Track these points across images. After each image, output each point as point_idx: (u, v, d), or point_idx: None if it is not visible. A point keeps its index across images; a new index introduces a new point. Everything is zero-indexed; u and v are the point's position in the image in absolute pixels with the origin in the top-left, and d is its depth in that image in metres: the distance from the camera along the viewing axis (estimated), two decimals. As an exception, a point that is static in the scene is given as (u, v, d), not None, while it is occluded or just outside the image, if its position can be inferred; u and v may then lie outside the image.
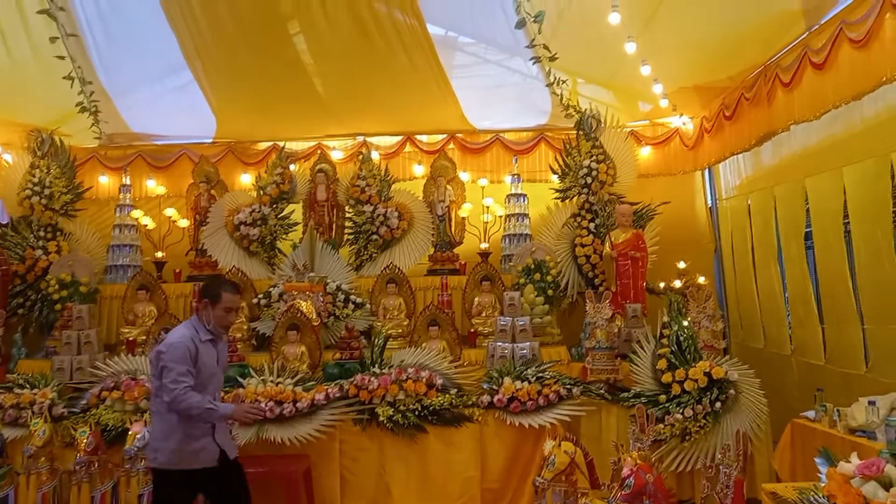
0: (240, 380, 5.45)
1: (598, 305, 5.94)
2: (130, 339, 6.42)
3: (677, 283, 6.41)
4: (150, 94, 7.59)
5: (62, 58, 6.22)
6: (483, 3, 6.20)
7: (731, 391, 5.18)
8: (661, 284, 6.65)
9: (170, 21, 6.51)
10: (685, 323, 5.51)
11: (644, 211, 7.09)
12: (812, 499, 2.92)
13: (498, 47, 7.41)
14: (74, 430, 4.96)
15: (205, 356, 3.58)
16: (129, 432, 4.69)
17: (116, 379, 5.47)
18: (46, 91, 6.96)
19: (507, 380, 5.36)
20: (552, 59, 6.26)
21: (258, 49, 6.80)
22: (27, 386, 5.55)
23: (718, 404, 5.12)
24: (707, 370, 5.18)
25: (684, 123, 7.79)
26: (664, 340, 5.50)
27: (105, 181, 8.09)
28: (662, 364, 5.35)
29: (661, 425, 4.96)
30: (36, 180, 7.17)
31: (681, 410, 5.10)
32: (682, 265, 6.58)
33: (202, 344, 3.60)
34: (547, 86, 6.87)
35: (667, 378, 5.28)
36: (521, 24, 5.83)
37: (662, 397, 5.24)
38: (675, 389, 5.21)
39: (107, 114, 7.40)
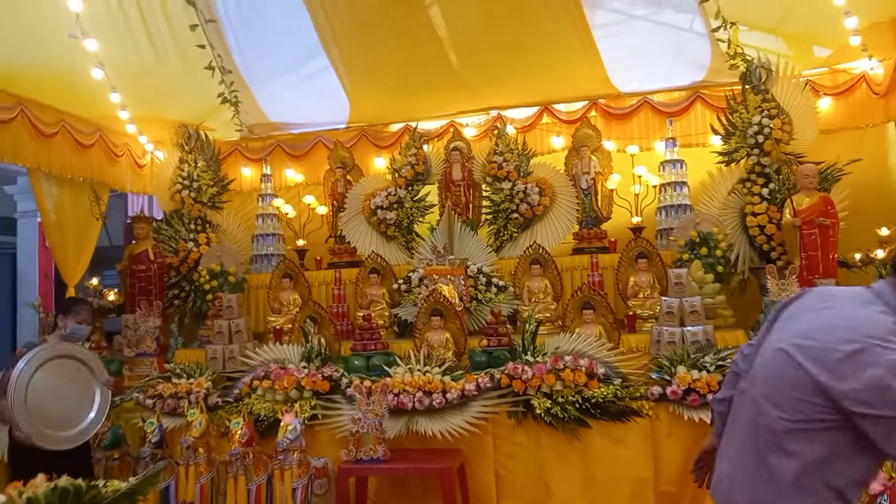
0: (386, 368, 5.22)
1: (782, 282, 5.11)
2: (277, 327, 6.42)
3: (880, 254, 5.40)
4: (287, 82, 7.63)
5: (203, 46, 6.27)
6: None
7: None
8: (857, 256, 5.65)
9: (307, 4, 6.43)
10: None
11: (829, 171, 6.08)
12: None
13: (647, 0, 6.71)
14: (229, 420, 4.95)
15: None
16: (281, 423, 4.58)
17: (266, 368, 5.43)
18: (191, 86, 7.14)
19: (680, 369, 4.71)
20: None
21: (394, 27, 6.61)
22: (184, 375, 5.66)
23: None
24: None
25: (872, 68, 6.61)
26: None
27: (247, 173, 8.24)
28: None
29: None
30: (185, 174, 7.38)
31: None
32: (884, 231, 5.54)
33: None
34: (713, 30, 6.01)
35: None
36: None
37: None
38: None
39: (246, 104, 7.50)
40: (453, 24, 6.66)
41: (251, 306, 7.10)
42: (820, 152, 6.22)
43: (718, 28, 5.91)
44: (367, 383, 5.00)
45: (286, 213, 7.46)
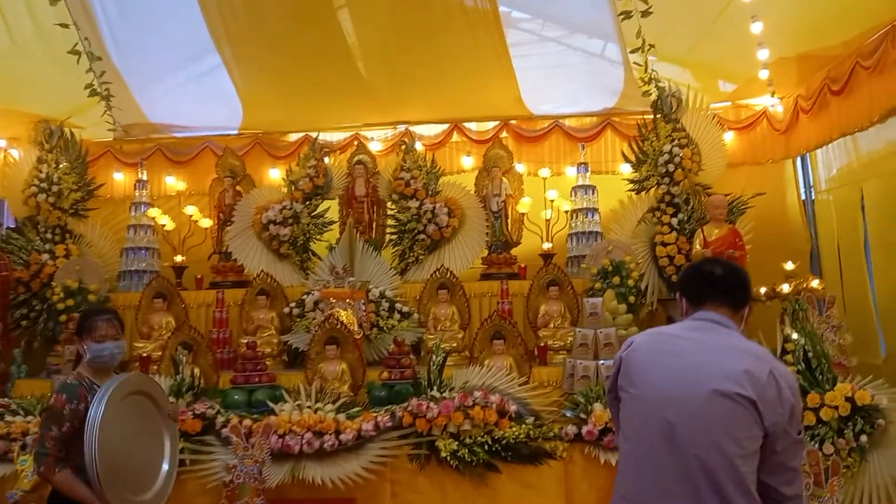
0: (271, 405, 4.54)
1: (695, 314, 4.92)
2: (144, 354, 5.57)
3: (785, 288, 5.37)
4: (171, 80, 6.86)
5: (66, 25, 5.38)
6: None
7: (880, 421, 4.13)
8: (763, 290, 5.61)
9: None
10: (812, 335, 4.48)
11: (735, 204, 6.07)
12: None
13: (559, 23, 6.56)
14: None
15: None
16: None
17: (125, 404, 4.58)
18: (54, 75, 6.21)
19: (597, 406, 4.36)
20: (645, 14, 5.26)
21: (297, 28, 6.07)
22: (21, 412, 4.69)
23: (864, 437, 4.09)
24: (849, 394, 4.15)
25: (773, 105, 6.77)
26: (788, 357, 4.46)
27: (120, 178, 7.31)
28: (789, 387, 4.31)
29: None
30: (43, 176, 6.37)
31: (817, 445, 4.07)
32: (789, 266, 5.54)
33: None
34: (631, 51, 5.87)
35: (796, 404, 4.24)
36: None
37: (792, 429, 4.20)
38: (809, 419, 4.17)
39: (122, 101, 6.64)
40: (363, 31, 6.23)
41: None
42: (725, 185, 6.24)
43: (637, 50, 5.77)
44: (248, 422, 4.33)
45: (163, 225, 6.61)
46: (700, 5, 5.44)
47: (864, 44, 5.20)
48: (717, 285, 2.15)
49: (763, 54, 5.39)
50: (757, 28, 5.00)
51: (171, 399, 4.50)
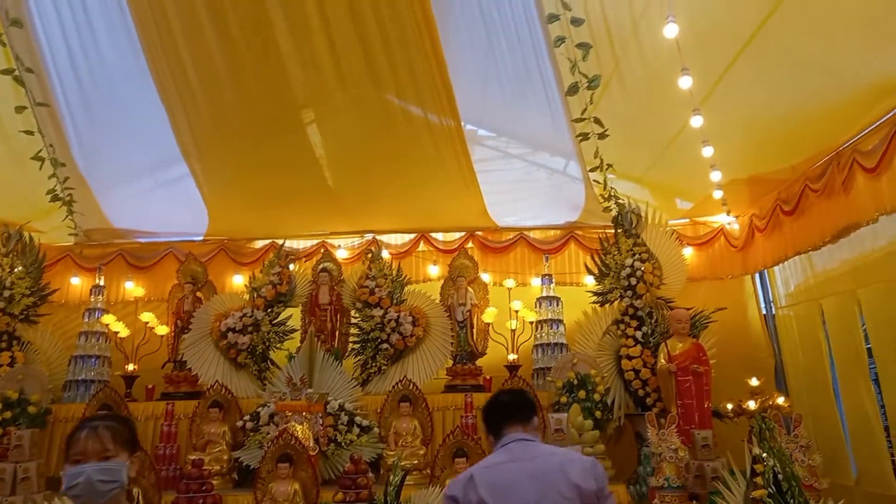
0: (214, 531, 4.20)
1: (663, 432, 4.81)
2: (82, 472, 5.17)
3: (752, 405, 5.31)
4: (137, 186, 6.85)
5: (30, 133, 5.41)
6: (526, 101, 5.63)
7: (856, 549, 3.96)
8: (730, 406, 5.55)
9: (167, 107, 5.86)
10: (781, 455, 4.36)
11: (697, 318, 6.11)
12: None
13: (523, 140, 6.83)
14: None
15: None
16: None
17: (52, 530, 4.20)
18: (18, 181, 6.19)
19: (562, 533, 4.11)
20: (602, 136, 5.49)
21: (265, 138, 6.18)
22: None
23: (841, 567, 3.89)
24: (822, 520, 4.00)
25: (729, 223, 7.01)
26: (758, 479, 4.30)
27: (77, 283, 7.13)
28: (760, 511, 4.14)
29: None
30: (-4, 280, 6.19)
31: (793, 576, 3.86)
32: (754, 382, 5.52)
33: None
34: (590, 170, 6.08)
35: (768, 530, 4.06)
36: (572, 91, 5.10)
37: (766, 557, 4.00)
38: (783, 547, 3.98)
39: (85, 206, 6.59)
40: (330, 144, 6.37)
41: (55, 444, 5.79)
42: (687, 299, 6.30)
43: (596, 168, 5.98)
44: (186, 551, 3.97)
45: (116, 332, 6.38)
46: (654, 130, 5.72)
47: (811, 168, 5.46)
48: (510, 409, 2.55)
49: (716, 176, 5.62)
50: (708, 152, 5.25)
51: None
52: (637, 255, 6.14)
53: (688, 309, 5.95)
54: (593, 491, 2.33)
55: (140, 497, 4.58)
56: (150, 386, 6.19)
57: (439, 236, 7.37)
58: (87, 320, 6.43)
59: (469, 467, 4.75)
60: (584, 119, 5.44)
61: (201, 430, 5.58)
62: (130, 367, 6.30)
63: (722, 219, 6.99)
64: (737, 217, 6.89)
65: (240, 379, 6.10)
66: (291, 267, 6.66)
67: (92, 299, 6.56)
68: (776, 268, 6.72)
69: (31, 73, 5.01)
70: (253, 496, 4.68)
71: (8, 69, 4.99)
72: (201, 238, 7.33)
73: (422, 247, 7.32)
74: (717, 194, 6.09)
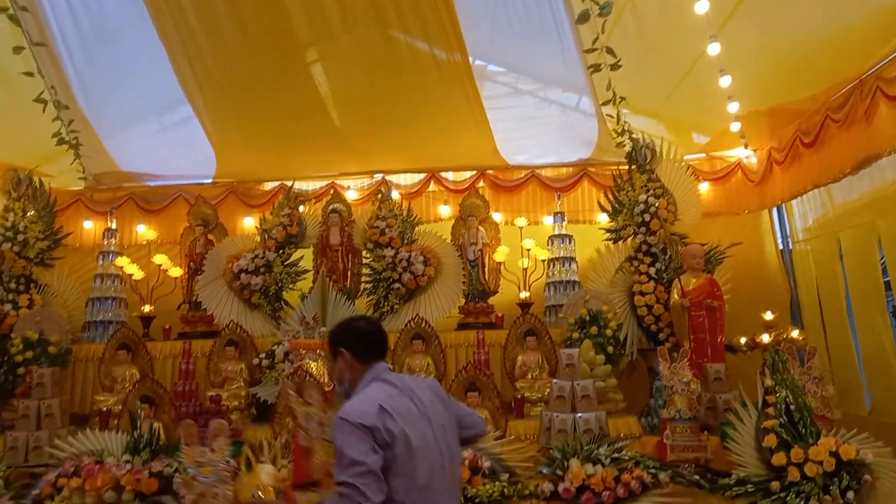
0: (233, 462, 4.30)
1: (675, 366, 4.81)
2: (105, 409, 5.32)
3: (765, 338, 5.29)
4: (144, 129, 6.77)
5: (30, 74, 5.32)
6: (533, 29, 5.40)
7: (867, 476, 3.99)
8: (743, 340, 5.53)
9: (168, 50, 5.72)
10: (794, 387, 4.37)
11: (711, 254, 6.04)
12: None
13: (533, 76, 6.62)
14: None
15: None
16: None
17: (77, 462, 4.33)
18: (23, 124, 6.12)
19: (573, 462, 4.18)
20: (615, 67, 5.31)
21: (269, 80, 6.02)
22: (-34, 471, 4.42)
23: (851, 494, 3.94)
24: (833, 449, 4.02)
25: (747, 157, 6.84)
26: (769, 410, 4.34)
27: (90, 227, 7.15)
28: (771, 441, 4.17)
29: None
30: (9, 224, 6.21)
31: (802, 502, 3.91)
32: (768, 316, 5.48)
33: None
34: (602, 104, 5.92)
35: (779, 459, 4.10)
36: (583, 18, 4.90)
37: (775, 484, 4.05)
38: (793, 475, 4.02)
39: (92, 149, 6.53)
40: (336, 84, 6.17)
41: (77, 382, 5.94)
42: (701, 235, 6.21)
43: (609, 102, 5.81)
44: (207, 481, 4.07)
45: (131, 275, 6.44)
46: (669, 60, 5.52)
47: (832, 98, 5.28)
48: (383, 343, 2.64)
49: (734, 107, 5.44)
50: (726, 82, 5.06)
51: (126, 457, 4.28)
52: (651, 191, 6.02)
53: (702, 244, 5.87)
54: (448, 399, 2.59)
55: (161, 431, 4.71)
56: (166, 326, 6.27)
57: (449, 175, 7.27)
58: (101, 263, 6.49)
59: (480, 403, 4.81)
60: (596, 49, 5.23)
61: (218, 368, 5.67)
62: (146, 308, 6.37)
63: (739, 152, 6.83)
64: (754, 150, 6.72)
65: (254, 318, 6.15)
66: (301, 208, 6.63)
67: (105, 242, 6.61)
68: (794, 201, 6.60)
69: (25, 12, 4.88)
70: (270, 430, 4.77)
71: (2, 7, 4.86)
72: (211, 181, 7.29)
73: (432, 186, 7.25)
74: (735, 127, 5.92)
